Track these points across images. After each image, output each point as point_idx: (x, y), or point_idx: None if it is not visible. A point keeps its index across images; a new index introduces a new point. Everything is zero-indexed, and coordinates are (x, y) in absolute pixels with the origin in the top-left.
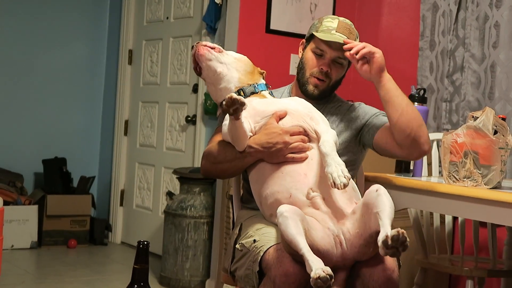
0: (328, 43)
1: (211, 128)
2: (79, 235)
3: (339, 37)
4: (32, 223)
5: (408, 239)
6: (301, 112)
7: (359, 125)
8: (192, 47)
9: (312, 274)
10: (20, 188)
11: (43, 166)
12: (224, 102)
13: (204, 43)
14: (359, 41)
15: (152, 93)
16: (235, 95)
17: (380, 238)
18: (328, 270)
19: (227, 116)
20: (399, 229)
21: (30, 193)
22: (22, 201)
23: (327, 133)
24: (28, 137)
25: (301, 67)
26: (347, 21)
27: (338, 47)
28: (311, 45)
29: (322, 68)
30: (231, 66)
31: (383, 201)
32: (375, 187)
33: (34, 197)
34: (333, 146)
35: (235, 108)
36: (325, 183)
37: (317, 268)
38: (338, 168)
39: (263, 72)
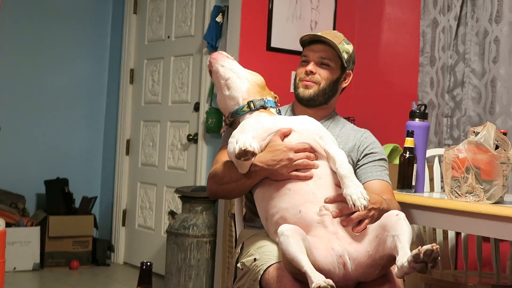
0: (311, 48)
1: (213, 146)
2: (82, 256)
3: (318, 34)
4: (34, 244)
5: (440, 257)
6: (310, 130)
7: (355, 155)
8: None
9: (313, 286)
10: (22, 210)
11: (45, 187)
12: (237, 152)
13: (221, 51)
14: (349, 55)
15: (153, 112)
16: (248, 147)
17: (408, 254)
18: (330, 281)
19: (234, 133)
20: (434, 244)
21: (32, 215)
22: (24, 223)
23: (341, 154)
24: (29, 158)
25: (294, 80)
26: (335, 31)
27: (320, 49)
28: (300, 59)
29: (306, 70)
30: (242, 75)
31: (402, 225)
32: (395, 211)
33: (36, 219)
34: (351, 168)
35: (246, 158)
36: (335, 204)
37: (318, 279)
38: (357, 190)
39: (276, 97)
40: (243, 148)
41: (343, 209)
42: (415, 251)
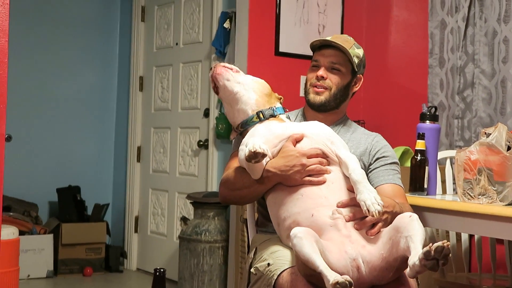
0: (321, 52)
1: (224, 152)
2: (95, 263)
3: (329, 39)
4: (48, 252)
5: (451, 254)
6: (321, 136)
7: (367, 159)
8: (211, 68)
9: (331, 281)
10: (35, 218)
11: (57, 195)
12: (246, 154)
13: (222, 64)
14: (361, 57)
15: (163, 119)
16: (258, 148)
17: (415, 250)
18: (347, 277)
19: (244, 140)
20: (445, 241)
21: (45, 222)
22: (37, 231)
23: (353, 159)
24: (41, 166)
25: (305, 85)
26: (345, 35)
27: (331, 54)
28: (311, 63)
29: (317, 75)
30: (249, 86)
31: (415, 226)
32: (408, 213)
33: (49, 226)
34: (364, 173)
35: (257, 160)
36: (348, 208)
37: (336, 275)
38: (371, 195)
39: (281, 98)
40: (252, 150)
41: (356, 212)
42: (426, 248)
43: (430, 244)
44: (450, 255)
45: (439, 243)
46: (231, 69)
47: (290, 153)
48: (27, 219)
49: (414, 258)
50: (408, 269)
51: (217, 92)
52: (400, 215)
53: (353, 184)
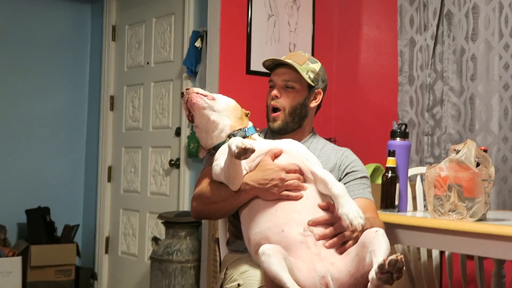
0: (275, 72)
1: (195, 171)
2: (65, 285)
3: (277, 58)
4: (16, 275)
5: (404, 267)
6: (297, 152)
7: (336, 175)
8: (182, 94)
9: None
10: (3, 240)
11: (27, 216)
12: (236, 151)
13: (195, 90)
14: (318, 78)
15: (134, 138)
16: (247, 144)
17: (376, 264)
18: None
19: (216, 156)
20: (398, 254)
21: (14, 244)
22: (6, 253)
23: (330, 175)
24: (10, 187)
25: (267, 108)
26: (300, 51)
27: (283, 72)
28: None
29: (271, 95)
30: (223, 113)
31: (380, 241)
32: (375, 228)
33: (18, 248)
34: (344, 187)
35: (246, 156)
36: (319, 227)
37: None
38: (353, 209)
39: (248, 113)
40: (242, 147)
41: (327, 231)
42: (380, 262)
43: (385, 258)
44: (404, 268)
45: (393, 256)
46: (206, 96)
47: (269, 167)
48: None
49: (372, 272)
50: (369, 284)
51: (192, 120)
52: (367, 231)
53: (334, 198)
